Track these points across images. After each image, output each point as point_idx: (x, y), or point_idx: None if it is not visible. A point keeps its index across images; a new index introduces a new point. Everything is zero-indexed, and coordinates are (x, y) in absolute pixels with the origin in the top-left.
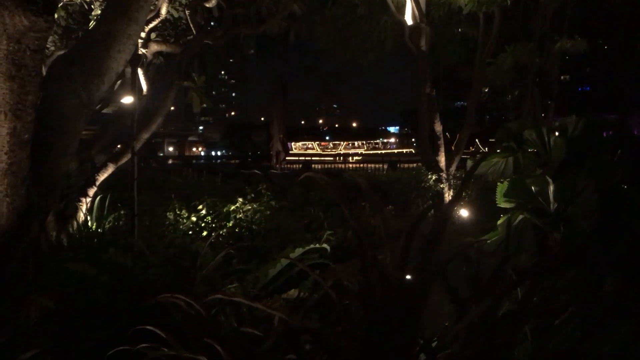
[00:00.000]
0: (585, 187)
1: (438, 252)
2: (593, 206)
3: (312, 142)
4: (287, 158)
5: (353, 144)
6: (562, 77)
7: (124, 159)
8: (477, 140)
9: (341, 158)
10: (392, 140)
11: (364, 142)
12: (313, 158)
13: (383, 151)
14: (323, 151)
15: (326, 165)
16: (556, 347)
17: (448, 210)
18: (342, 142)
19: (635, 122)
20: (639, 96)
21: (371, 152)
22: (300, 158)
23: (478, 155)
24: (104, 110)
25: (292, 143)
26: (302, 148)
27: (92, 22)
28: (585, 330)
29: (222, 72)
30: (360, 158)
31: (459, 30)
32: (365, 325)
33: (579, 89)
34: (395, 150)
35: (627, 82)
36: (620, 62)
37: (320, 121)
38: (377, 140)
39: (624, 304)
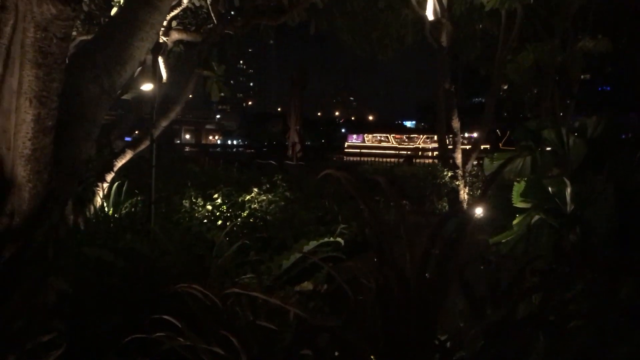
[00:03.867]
0: (603, 189)
1: (458, 253)
2: (611, 209)
3: (387, 135)
4: (361, 151)
5: (432, 138)
6: (582, 77)
7: (142, 146)
8: None
9: (420, 152)
10: (476, 135)
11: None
12: (387, 151)
13: (467, 146)
14: (399, 144)
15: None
16: (570, 349)
17: (470, 213)
18: (420, 136)
19: None
20: None
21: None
22: (374, 151)
23: (495, 154)
24: (124, 97)
25: (365, 135)
26: (375, 140)
27: (115, 8)
28: (600, 334)
29: (241, 62)
30: None
31: (480, 26)
32: (382, 323)
33: (599, 88)
34: (482, 147)
35: None
36: None
37: (337, 113)
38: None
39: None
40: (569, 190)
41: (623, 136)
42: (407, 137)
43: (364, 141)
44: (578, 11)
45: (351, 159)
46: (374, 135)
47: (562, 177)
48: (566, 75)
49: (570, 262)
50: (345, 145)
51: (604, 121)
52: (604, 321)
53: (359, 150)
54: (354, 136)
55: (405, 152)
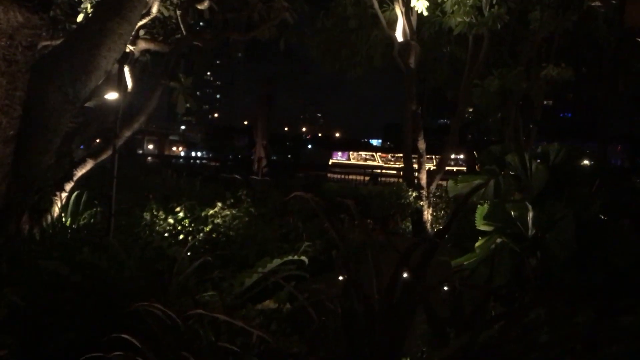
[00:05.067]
0: (563, 215)
1: (423, 279)
2: (570, 235)
3: (374, 153)
4: (347, 169)
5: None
6: (545, 102)
7: (104, 156)
8: None
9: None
10: (462, 156)
11: (432, 157)
12: (373, 170)
13: (455, 168)
14: (385, 163)
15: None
16: None
17: (436, 241)
18: None
19: (614, 152)
20: (619, 126)
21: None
22: (360, 170)
23: (459, 177)
24: (86, 104)
25: (350, 152)
26: (360, 158)
27: (81, 14)
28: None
29: (208, 73)
30: None
31: (448, 49)
32: (346, 347)
33: (561, 114)
34: (456, 168)
35: (608, 112)
36: (603, 93)
37: (304, 129)
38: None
39: (596, 335)
40: (530, 214)
41: (583, 164)
42: (392, 156)
43: (349, 159)
44: (543, 40)
45: (336, 176)
46: (359, 153)
47: (524, 202)
48: (530, 101)
49: (530, 288)
50: (330, 163)
51: (565, 149)
52: (560, 346)
53: (343, 169)
54: (339, 153)
55: (391, 171)
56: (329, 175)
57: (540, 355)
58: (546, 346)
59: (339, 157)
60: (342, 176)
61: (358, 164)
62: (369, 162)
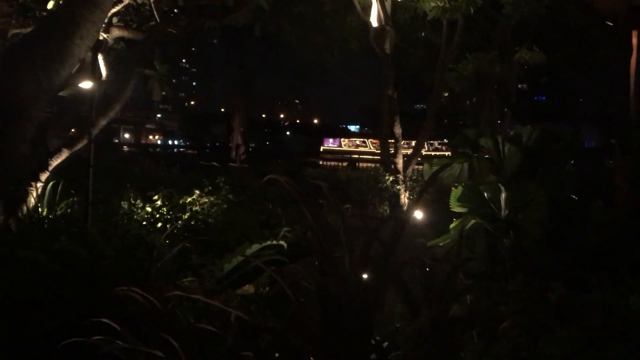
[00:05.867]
0: (536, 196)
1: (394, 255)
2: (542, 215)
3: (365, 139)
4: (338, 155)
5: (410, 143)
6: (519, 86)
7: (80, 145)
8: None
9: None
10: (414, 141)
11: (424, 142)
12: (365, 156)
13: (447, 153)
14: (377, 149)
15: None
16: (502, 349)
17: (405, 217)
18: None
19: (586, 134)
20: (592, 109)
21: (433, 153)
22: (351, 156)
23: (435, 160)
24: (60, 93)
25: (341, 139)
26: (352, 145)
27: (51, 1)
28: (530, 334)
29: (184, 61)
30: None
31: (423, 34)
32: (322, 324)
33: (535, 98)
34: (446, 153)
35: (580, 95)
36: (575, 76)
37: (282, 115)
38: (438, 141)
39: (568, 310)
40: (503, 195)
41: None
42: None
43: (340, 145)
44: (517, 24)
45: (328, 163)
46: (351, 139)
47: (498, 183)
48: (504, 85)
49: (504, 265)
50: (321, 149)
51: (537, 131)
52: (532, 320)
53: (335, 155)
54: (330, 140)
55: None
56: (321, 162)
57: (512, 328)
58: (517, 319)
59: (330, 144)
60: (334, 163)
61: (350, 150)
62: (361, 149)
